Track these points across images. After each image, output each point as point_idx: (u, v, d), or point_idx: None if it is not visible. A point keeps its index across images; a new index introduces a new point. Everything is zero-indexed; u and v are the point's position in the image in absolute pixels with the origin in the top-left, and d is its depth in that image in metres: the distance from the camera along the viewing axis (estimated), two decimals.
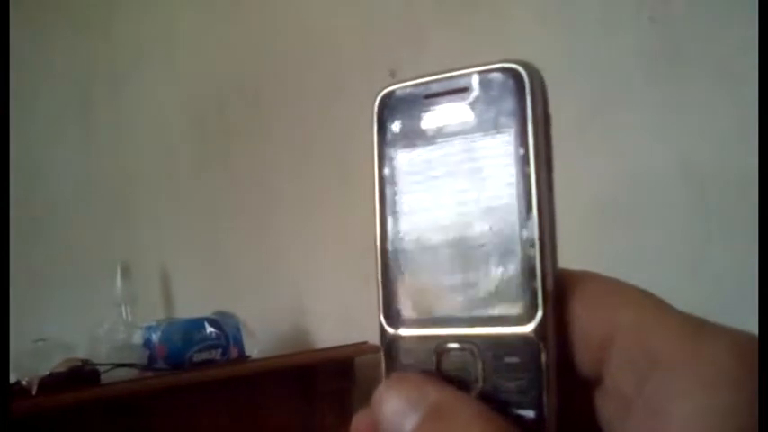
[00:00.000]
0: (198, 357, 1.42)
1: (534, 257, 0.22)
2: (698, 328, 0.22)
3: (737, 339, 0.21)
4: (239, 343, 1.50)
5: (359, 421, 0.24)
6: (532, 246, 0.22)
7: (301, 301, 1.69)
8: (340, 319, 1.56)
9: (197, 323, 1.47)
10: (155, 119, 2.09)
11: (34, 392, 1.18)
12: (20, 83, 2.35)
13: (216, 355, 1.45)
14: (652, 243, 1.17)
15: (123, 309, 1.75)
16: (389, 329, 0.25)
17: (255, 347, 1.54)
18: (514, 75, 0.23)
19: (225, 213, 1.89)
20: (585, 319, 0.23)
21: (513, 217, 0.23)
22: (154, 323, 1.48)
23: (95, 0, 2.26)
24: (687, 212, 1.14)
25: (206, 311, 1.53)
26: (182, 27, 2.01)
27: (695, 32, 1.12)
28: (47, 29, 2.42)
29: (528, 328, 0.22)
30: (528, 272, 0.22)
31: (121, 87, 2.18)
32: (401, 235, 0.25)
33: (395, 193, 0.25)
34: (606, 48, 1.22)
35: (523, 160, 0.23)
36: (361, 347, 1.40)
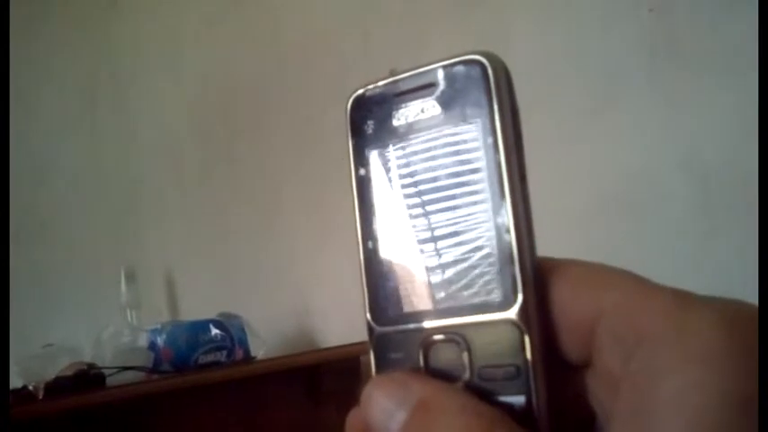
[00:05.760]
0: (203, 359, 1.42)
1: (511, 243, 0.22)
2: (684, 301, 0.21)
3: (724, 311, 0.20)
4: (244, 344, 1.50)
5: (353, 418, 0.24)
6: (508, 231, 0.23)
7: (306, 302, 1.69)
8: (345, 318, 1.56)
9: (202, 325, 1.47)
10: (158, 121, 2.09)
11: (41, 397, 1.18)
12: (23, 85, 2.36)
13: (221, 356, 1.45)
14: (655, 237, 1.17)
15: (128, 312, 1.75)
16: (376, 327, 0.25)
17: (261, 348, 1.54)
18: (477, 66, 0.23)
19: (228, 215, 1.89)
20: (570, 302, 0.23)
21: (488, 205, 0.23)
22: (159, 326, 1.48)
23: (97, 2, 2.26)
24: (690, 206, 1.13)
25: (211, 314, 1.53)
26: (184, 29, 2.01)
27: (695, 23, 1.12)
28: (49, 30, 2.42)
29: (510, 313, 0.22)
30: (506, 257, 0.23)
31: (125, 90, 2.19)
32: (381, 233, 0.25)
33: (372, 193, 0.25)
34: (606, 40, 1.22)
35: (493, 148, 0.23)
36: (367, 346, 1.40)
